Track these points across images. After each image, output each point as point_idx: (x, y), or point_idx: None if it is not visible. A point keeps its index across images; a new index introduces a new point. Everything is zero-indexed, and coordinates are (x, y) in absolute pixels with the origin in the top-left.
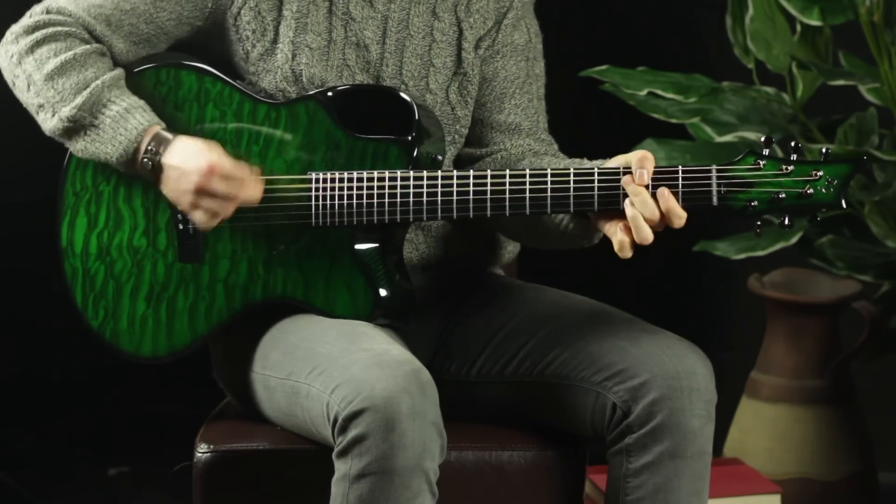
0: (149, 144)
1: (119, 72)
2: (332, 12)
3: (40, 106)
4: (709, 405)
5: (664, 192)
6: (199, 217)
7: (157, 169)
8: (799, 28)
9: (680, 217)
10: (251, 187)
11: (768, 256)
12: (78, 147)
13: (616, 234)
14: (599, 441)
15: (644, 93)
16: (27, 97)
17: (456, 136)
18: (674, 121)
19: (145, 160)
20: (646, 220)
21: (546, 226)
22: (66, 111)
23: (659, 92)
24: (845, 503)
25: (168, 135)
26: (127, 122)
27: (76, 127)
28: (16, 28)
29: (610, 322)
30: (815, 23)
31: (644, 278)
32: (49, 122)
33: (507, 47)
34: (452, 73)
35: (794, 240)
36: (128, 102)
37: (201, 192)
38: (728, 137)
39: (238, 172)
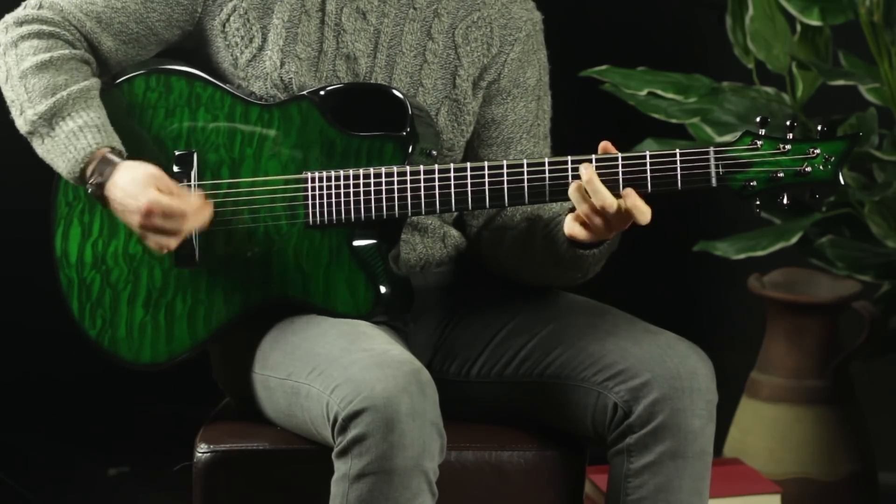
0: (93, 172)
1: (90, 82)
2: (325, 23)
3: (11, 101)
4: (710, 405)
5: (630, 192)
6: (150, 245)
7: (105, 199)
8: (799, 28)
9: (644, 213)
10: (195, 216)
11: (768, 256)
12: (39, 152)
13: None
14: (600, 441)
15: (644, 93)
16: (4, 89)
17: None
18: (674, 121)
19: (90, 190)
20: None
21: (541, 255)
22: (30, 114)
23: (659, 92)
24: (845, 503)
25: (115, 158)
26: (78, 140)
27: (37, 133)
28: (8, 18)
29: (610, 322)
30: (815, 23)
31: (644, 278)
32: (17, 120)
33: (518, 88)
34: (443, 97)
35: (794, 240)
36: (84, 120)
37: (145, 228)
38: (728, 137)
39: (178, 206)
